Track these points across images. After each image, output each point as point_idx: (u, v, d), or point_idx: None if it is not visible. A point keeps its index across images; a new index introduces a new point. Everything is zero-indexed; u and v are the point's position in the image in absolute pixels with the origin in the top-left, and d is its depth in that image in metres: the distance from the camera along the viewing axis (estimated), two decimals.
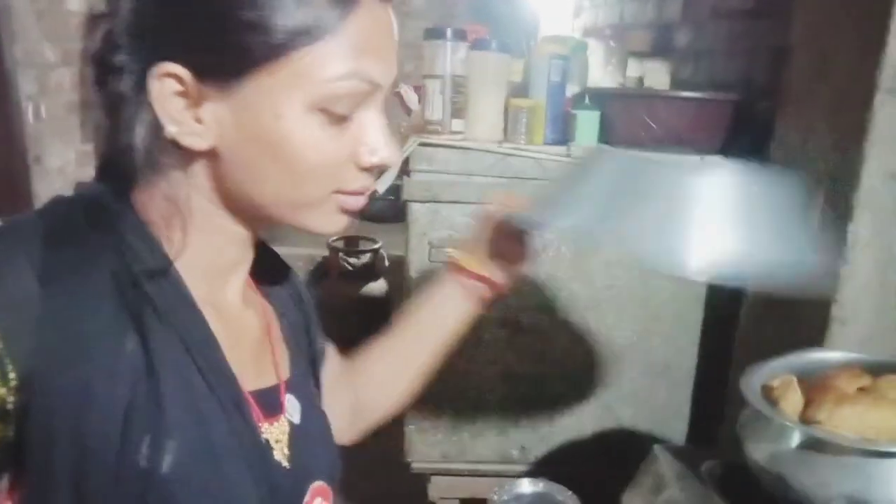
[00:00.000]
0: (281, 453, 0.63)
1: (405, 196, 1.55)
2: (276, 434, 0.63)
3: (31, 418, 0.50)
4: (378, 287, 3.20)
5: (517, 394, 1.69)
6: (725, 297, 1.59)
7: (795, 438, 0.87)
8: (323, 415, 0.73)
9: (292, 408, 0.67)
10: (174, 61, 0.53)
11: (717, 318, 1.64)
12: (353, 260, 3.17)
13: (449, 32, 1.51)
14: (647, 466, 1.12)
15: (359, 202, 0.61)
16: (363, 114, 0.58)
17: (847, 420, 0.85)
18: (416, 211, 1.57)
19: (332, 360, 0.86)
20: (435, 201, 1.55)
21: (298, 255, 3.82)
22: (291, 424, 0.66)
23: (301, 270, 3.65)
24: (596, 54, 1.81)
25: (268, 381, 0.66)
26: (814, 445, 0.85)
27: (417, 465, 1.73)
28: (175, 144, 0.56)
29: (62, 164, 2.59)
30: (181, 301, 0.57)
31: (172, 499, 0.52)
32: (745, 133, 1.54)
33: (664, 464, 1.09)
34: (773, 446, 0.89)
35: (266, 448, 0.61)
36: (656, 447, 1.13)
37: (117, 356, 0.51)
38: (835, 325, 1.18)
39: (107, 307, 0.52)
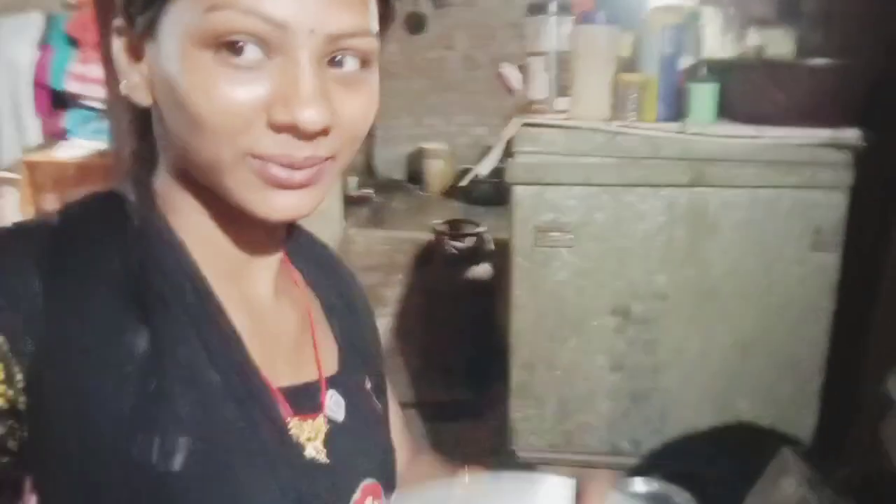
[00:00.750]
0: (315, 450, 0.60)
1: (508, 178, 1.50)
2: (307, 432, 0.60)
3: (40, 420, 0.49)
4: (482, 271, 3.17)
5: (628, 385, 1.62)
6: (862, 283, 1.45)
7: None
8: (375, 413, 0.69)
9: (335, 405, 0.64)
10: (121, 15, 0.53)
11: (850, 309, 1.50)
12: (457, 244, 3.15)
13: (553, 6, 1.44)
14: (774, 469, 1.03)
15: (286, 174, 0.52)
16: (285, 63, 0.50)
17: None
18: (520, 194, 1.52)
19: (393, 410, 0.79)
20: (540, 184, 1.50)
21: (403, 239, 3.86)
22: (332, 422, 0.62)
23: (406, 254, 3.68)
24: (712, 23, 1.68)
25: (306, 376, 0.63)
26: None
27: (523, 454, 1.70)
28: (136, 107, 0.55)
29: None
30: (197, 295, 0.55)
31: (182, 496, 0.50)
32: (883, 101, 1.39)
33: (794, 468, 1.00)
34: None
35: (293, 445, 0.58)
36: (785, 449, 1.04)
37: (124, 355, 0.50)
38: None
39: (114, 306, 0.51)
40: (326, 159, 0.54)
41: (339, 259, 0.77)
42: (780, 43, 1.74)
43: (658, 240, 1.53)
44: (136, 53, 0.54)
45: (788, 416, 1.59)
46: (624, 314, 1.59)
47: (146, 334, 0.51)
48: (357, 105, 0.54)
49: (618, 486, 1.12)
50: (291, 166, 0.52)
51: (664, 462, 1.57)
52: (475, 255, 3.18)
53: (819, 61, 1.42)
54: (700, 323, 1.56)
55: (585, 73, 1.45)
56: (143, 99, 0.55)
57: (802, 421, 1.59)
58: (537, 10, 1.47)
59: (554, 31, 1.45)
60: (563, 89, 1.49)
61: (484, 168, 1.46)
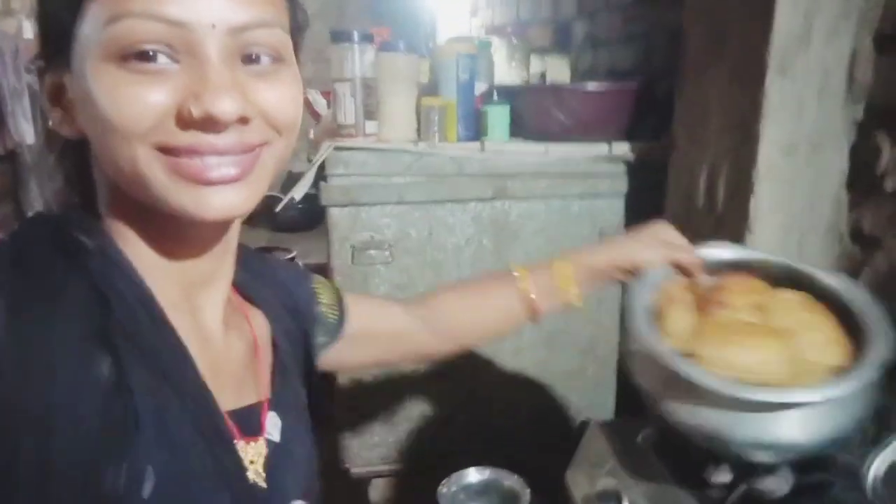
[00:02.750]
0: (255, 474, 0.62)
1: (323, 201, 1.54)
2: (251, 454, 0.62)
3: (1, 445, 0.48)
4: None
5: (450, 387, 1.71)
6: None
7: (671, 374, 0.81)
8: (306, 433, 0.72)
9: (272, 426, 0.66)
10: (41, 57, 0.56)
11: None
12: None
13: (356, 35, 1.51)
14: (585, 444, 1.15)
15: (204, 167, 0.52)
16: (193, 60, 0.51)
17: (725, 359, 0.81)
18: (336, 215, 1.56)
19: (360, 304, 0.91)
20: (354, 204, 1.55)
21: None
22: (271, 444, 0.65)
23: None
24: (500, 52, 1.85)
25: (248, 399, 0.65)
26: (688, 385, 0.79)
27: (356, 470, 1.73)
28: (67, 142, 0.57)
29: None
30: (153, 323, 0.55)
31: None
32: (649, 115, 1.62)
33: (602, 439, 1.13)
34: (658, 381, 0.86)
35: (241, 468, 0.60)
36: (592, 423, 1.17)
37: (85, 380, 0.50)
38: None
39: (75, 331, 0.51)
40: (259, 146, 0.54)
41: (274, 261, 0.80)
42: (558, 68, 1.95)
43: (467, 250, 1.64)
44: (57, 90, 0.56)
45: (593, 399, 1.77)
46: None
47: (108, 361, 0.51)
48: (275, 95, 0.55)
49: (452, 480, 1.19)
50: (215, 153, 0.52)
51: (493, 455, 1.67)
52: None
53: (592, 84, 1.62)
54: None
55: (390, 97, 1.53)
56: (67, 132, 0.56)
57: (605, 401, 1.78)
58: (340, 37, 1.53)
59: (358, 59, 1.51)
60: (369, 113, 1.56)
61: (298, 193, 1.49)
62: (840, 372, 0.80)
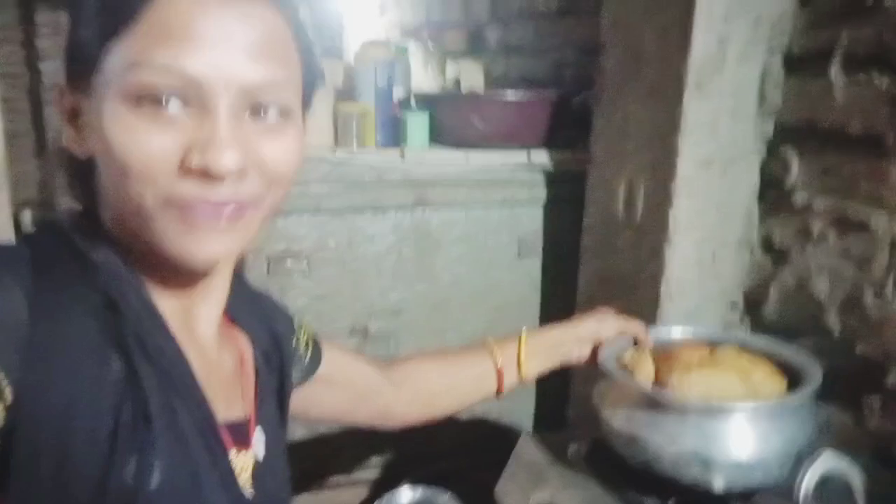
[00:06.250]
0: (245, 483, 0.65)
1: None
2: (240, 465, 0.65)
3: (17, 437, 0.51)
4: None
5: None
6: (560, 281, 1.68)
7: (650, 403, 0.95)
8: (284, 452, 0.75)
9: (258, 442, 0.69)
10: (64, 75, 0.59)
11: (554, 302, 1.73)
12: None
13: None
14: (517, 456, 1.16)
15: (203, 214, 0.55)
16: (203, 114, 0.54)
17: (694, 385, 0.95)
18: None
19: (334, 351, 0.94)
20: None
21: None
22: (256, 459, 0.67)
23: None
24: (415, 56, 1.83)
25: (237, 413, 0.68)
26: (665, 408, 0.94)
27: None
28: (78, 159, 0.60)
29: None
30: (157, 328, 0.58)
31: None
32: (565, 126, 1.64)
33: (533, 451, 1.14)
34: (629, 412, 0.98)
35: (233, 475, 0.63)
36: (523, 436, 1.18)
37: (102, 376, 0.53)
38: (664, 301, 1.29)
39: (91, 330, 0.54)
40: (249, 204, 0.57)
41: (264, 297, 0.84)
42: (472, 73, 1.95)
43: (389, 259, 1.61)
44: (75, 110, 0.59)
45: (512, 406, 1.79)
46: (363, 333, 1.64)
47: (121, 360, 0.55)
48: (277, 150, 0.57)
49: (384, 501, 1.17)
50: (211, 210, 0.55)
51: (412, 469, 1.66)
52: None
53: (513, 93, 1.63)
54: (434, 333, 1.68)
55: None
56: (78, 152, 0.59)
57: (524, 409, 1.80)
58: None
59: None
60: None
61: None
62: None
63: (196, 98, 0.53)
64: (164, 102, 0.53)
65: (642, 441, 0.94)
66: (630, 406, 0.98)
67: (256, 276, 1.53)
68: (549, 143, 1.64)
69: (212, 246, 0.56)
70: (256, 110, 0.56)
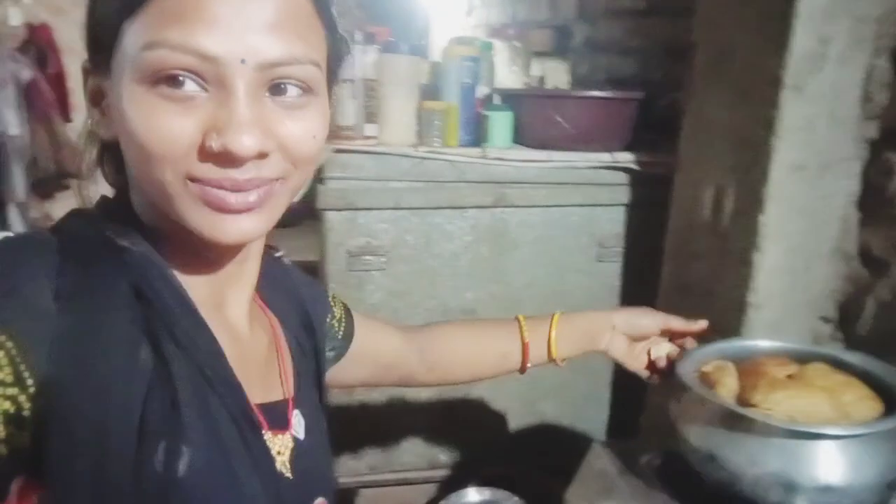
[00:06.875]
0: (282, 465, 0.64)
1: (320, 204, 1.50)
2: (278, 446, 0.65)
3: (51, 425, 0.51)
4: None
5: (441, 398, 1.68)
6: (639, 286, 1.64)
7: (732, 420, 0.90)
8: (325, 432, 0.75)
9: (298, 424, 0.69)
10: (88, 57, 0.59)
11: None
12: None
13: (359, 35, 1.48)
14: (588, 464, 1.13)
15: (225, 197, 0.54)
16: (222, 93, 0.53)
17: (780, 404, 0.89)
18: (332, 219, 1.52)
19: (366, 325, 0.94)
20: (351, 208, 1.51)
21: None
22: (296, 440, 0.67)
23: None
24: (500, 54, 1.82)
25: (275, 395, 0.68)
26: (749, 427, 0.89)
27: (344, 480, 1.69)
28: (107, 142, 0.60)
29: None
30: (187, 314, 0.58)
31: (190, 502, 0.53)
32: (650, 127, 1.60)
33: (604, 460, 1.11)
34: (709, 428, 0.93)
35: (270, 457, 0.63)
36: (595, 444, 1.15)
37: (132, 364, 0.53)
38: (749, 311, 1.24)
39: (120, 318, 0.54)
40: (275, 181, 0.56)
41: (297, 275, 0.82)
42: (557, 73, 1.92)
43: (465, 258, 1.61)
44: (98, 92, 0.58)
45: (584, 413, 1.75)
46: None
47: (149, 348, 0.54)
48: (299, 128, 0.56)
49: (451, 500, 1.17)
50: (235, 189, 0.54)
51: (478, 470, 1.65)
52: None
53: (594, 92, 1.59)
54: None
55: (391, 100, 1.50)
56: (104, 134, 0.59)
57: (596, 416, 1.76)
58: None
59: (359, 60, 1.47)
60: (369, 115, 1.52)
61: (296, 195, 1.45)
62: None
63: (213, 77, 0.52)
64: (180, 82, 0.52)
65: (721, 459, 0.90)
66: (710, 421, 0.93)
67: (336, 270, 1.55)
68: (632, 144, 1.60)
69: (239, 225, 0.55)
70: (276, 88, 0.55)
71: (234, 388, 0.59)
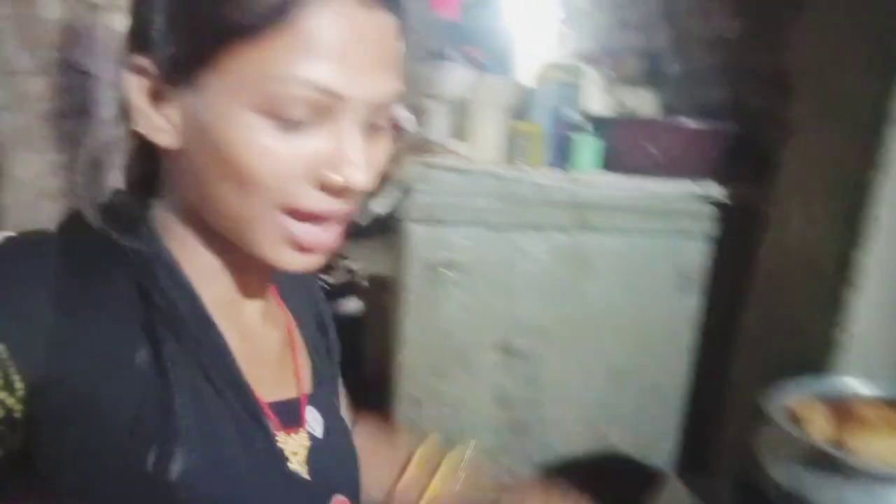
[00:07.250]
0: (298, 465, 0.63)
1: (404, 216, 1.53)
2: (292, 445, 0.63)
3: (41, 428, 0.51)
4: (352, 305, 3.16)
5: (509, 418, 1.68)
6: (719, 320, 1.61)
7: (823, 460, 0.88)
8: (347, 430, 0.74)
9: (314, 421, 0.67)
10: (144, 55, 0.53)
11: (710, 340, 1.65)
12: (327, 278, 3.13)
13: (451, 54, 1.51)
14: (665, 497, 1.11)
15: (316, 236, 0.55)
16: (332, 126, 0.52)
17: (876, 448, 0.86)
18: (415, 232, 1.55)
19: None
20: (435, 223, 1.54)
21: None
22: (313, 437, 0.66)
23: None
24: (591, 80, 1.82)
25: (288, 393, 0.66)
26: (840, 468, 0.86)
27: None
28: (149, 145, 0.56)
29: (33, 174, 2.51)
30: (194, 314, 0.57)
31: None
32: (739, 159, 1.57)
33: (682, 495, 1.09)
34: (795, 467, 0.91)
35: (281, 458, 0.62)
36: (671, 478, 1.13)
37: (126, 368, 0.53)
38: (841, 351, 1.20)
39: (118, 321, 0.54)
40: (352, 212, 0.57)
41: (315, 284, 0.80)
42: (646, 100, 1.91)
43: (542, 279, 1.61)
44: (159, 96, 0.54)
45: (653, 441, 1.72)
46: (507, 350, 1.65)
47: (149, 350, 0.53)
48: (381, 158, 0.57)
49: None
50: (336, 220, 0.55)
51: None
52: (344, 289, 3.16)
53: (684, 121, 1.58)
54: (578, 356, 1.66)
55: (483, 119, 1.52)
56: (166, 141, 0.55)
57: (661, 446, 1.72)
58: (436, 56, 1.53)
59: (452, 78, 1.51)
60: (459, 132, 1.55)
61: (382, 207, 1.49)
62: None
63: (328, 110, 0.52)
64: (295, 112, 0.51)
65: (808, 500, 0.87)
66: (798, 461, 0.91)
67: (414, 283, 1.57)
68: (721, 175, 1.58)
69: (311, 259, 0.57)
70: (373, 125, 0.55)
71: (241, 389, 0.59)
